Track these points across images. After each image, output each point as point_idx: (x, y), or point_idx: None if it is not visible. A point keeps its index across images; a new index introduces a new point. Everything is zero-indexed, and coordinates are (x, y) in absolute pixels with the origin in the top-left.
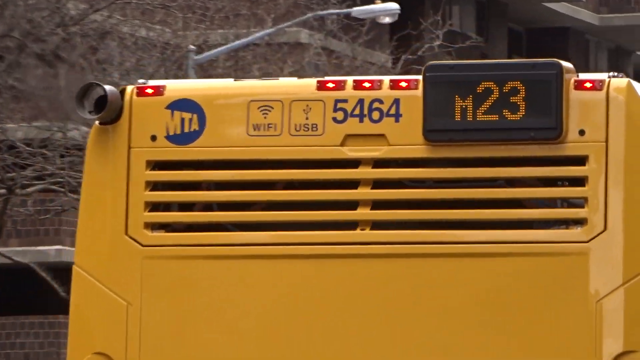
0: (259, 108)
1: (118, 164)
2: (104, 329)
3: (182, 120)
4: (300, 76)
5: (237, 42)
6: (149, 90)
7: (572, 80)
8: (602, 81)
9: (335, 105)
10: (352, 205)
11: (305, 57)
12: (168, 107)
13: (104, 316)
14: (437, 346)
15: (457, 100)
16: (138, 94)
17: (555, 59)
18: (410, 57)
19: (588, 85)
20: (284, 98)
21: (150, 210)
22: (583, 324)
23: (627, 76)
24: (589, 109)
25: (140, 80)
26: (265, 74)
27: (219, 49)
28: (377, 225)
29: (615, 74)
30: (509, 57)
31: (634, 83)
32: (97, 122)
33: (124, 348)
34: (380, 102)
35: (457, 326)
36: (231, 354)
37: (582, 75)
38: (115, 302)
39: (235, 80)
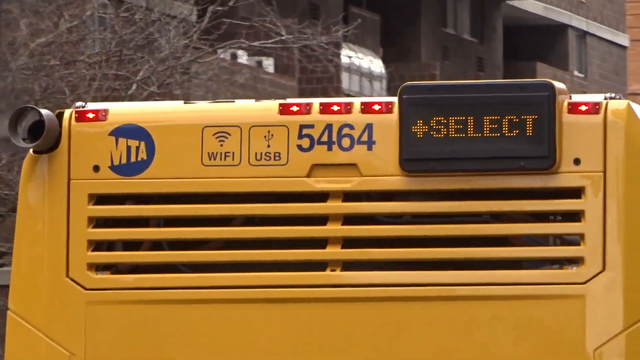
0: (214, 134)
1: (57, 198)
2: None
3: (128, 148)
4: (81, 32)
5: None
6: (90, 115)
7: (566, 103)
8: (598, 104)
9: (301, 131)
10: (320, 243)
11: (87, 10)
12: (112, 133)
13: None
14: None
15: (437, 125)
16: (77, 119)
17: (548, 80)
18: (219, 8)
19: (583, 108)
20: (242, 123)
21: (94, 250)
22: None
23: (496, 32)
24: (585, 135)
25: (79, 104)
26: (36, 31)
27: None
28: (348, 265)
29: (613, 95)
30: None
31: (634, 105)
32: (31, 151)
33: None
34: (351, 127)
35: None
36: None
37: (575, 97)
38: (56, 352)
39: (185, 103)
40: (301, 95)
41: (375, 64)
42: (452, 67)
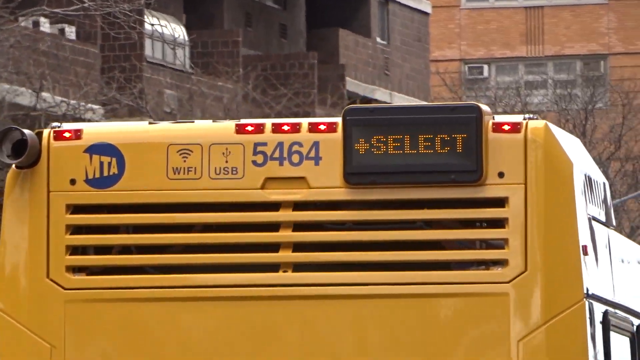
0: (178, 152)
1: (38, 208)
2: None
3: (101, 164)
4: None
5: None
6: (67, 134)
7: (490, 123)
8: (519, 123)
9: (255, 148)
10: (273, 247)
11: None
12: (86, 150)
13: (28, 359)
14: None
15: (377, 143)
16: (55, 138)
17: (474, 102)
18: None
19: (506, 127)
20: (203, 142)
21: (71, 254)
22: None
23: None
24: (508, 151)
25: (55, 124)
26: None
27: None
28: (298, 267)
29: (531, 115)
30: None
31: (551, 125)
32: (14, 166)
33: None
34: (300, 145)
35: None
36: None
37: (498, 118)
38: (38, 345)
39: (150, 124)
40: (104, 62)
41: (178, 31)
42: (255, 34)
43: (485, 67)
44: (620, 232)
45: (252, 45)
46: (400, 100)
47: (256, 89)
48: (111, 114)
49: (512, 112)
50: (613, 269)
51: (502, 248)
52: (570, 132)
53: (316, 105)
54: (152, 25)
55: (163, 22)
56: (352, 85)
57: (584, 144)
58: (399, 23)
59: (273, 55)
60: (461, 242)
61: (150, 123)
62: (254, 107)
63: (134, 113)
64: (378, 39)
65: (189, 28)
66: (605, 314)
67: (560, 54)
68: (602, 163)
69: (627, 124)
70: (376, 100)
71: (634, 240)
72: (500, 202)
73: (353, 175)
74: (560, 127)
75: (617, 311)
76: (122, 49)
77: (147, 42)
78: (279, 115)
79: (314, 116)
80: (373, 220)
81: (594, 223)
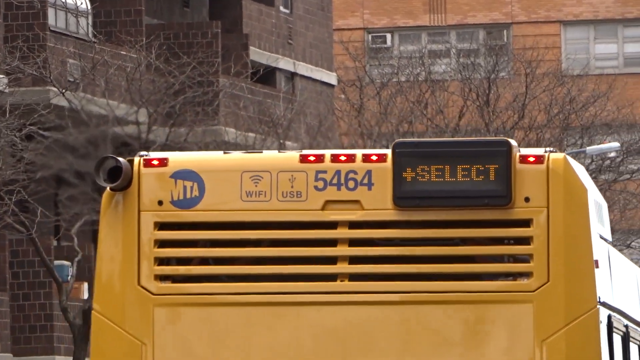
0: (250, 177)
1: (130, 225)
2: None
3: (184, 187)
4: None
5: None
6: (155, 162)
7: (518, 155)
8: (542, 156)
9: (317, 175)
10: (332, 260)
11: None
12: (172, 176)
13: (122, 354)
14: None
15: (422, 172)
16: (145, 165)
17: (505, 138)
18: None
19: (531, 159)
20: (272, 169)
21: (159, 265)
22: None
23: None
24: (533, 179)
25: (143, 153)
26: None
27: None
28: (353, 277)
29: (552, 149)
30: None
31: (568, 157)
32: (108, 189)
33: None
34: (355, 172)
35: None
36: None
37: (524, 150)
38: (130, 342)
39: (224, 153)
40: (7, 31)
41: (81, 0)
42: (157, 2)
43: (389, 36)
44: None
45: (155, 14)
46: (304, 69)
47: (159, 57)
48: (14, 83)
49: (416, 81)
50: (612, 279)
51: (528, 262)
52: (474, 101)
53: (220, 74)
54: None
55: None
56: (256, 54)
57: (488, 113)
58: None
59: (176, 24)
60: (492, 256)
61: (224, 152)
62: (157, 76)
63: (37, 82)
64: (281, 8)
65: None
66: (609, 317)
67: (463, 22)
68: (506, 132)
69: (530, 93)
70: (279, 70)
71: None
72: (526, 223)
73: (401, 199)
74: (463, 96)
75: (616, 314)
76: (25, 18)
77: (50, 11)
78: (182, 84)
79: (218, 85)
80: (418, 237)
81: (601, 238)
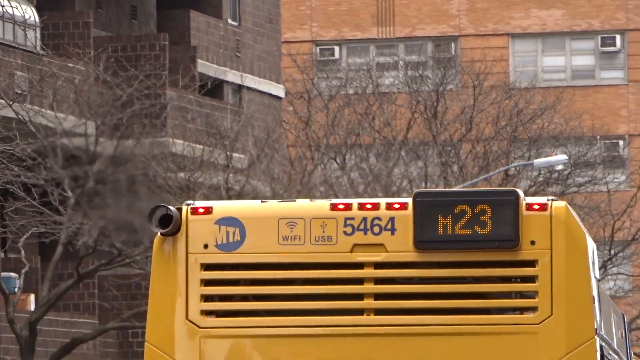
0: (286, 224)
1: (179, 266)
2: None
3: (227, 232)
4: None
5: None
6: (201, 210)
7: (524, 203)
8: (546, 204)
9: (345, 222)
10: (359, 297)
11: None
12: (216, 222)
13: None
14: None
15: (440, 218)
16: (192, 213)
17: (514, 189)
18: None
19: (536, 207)
20: (305, 216)
21: (205, 301)
22: None
23: None
24: (537, 225)
25: (189, 202)
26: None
27: None
28: (378, 312)
29: (554, 198)
30: None
31: (568, 205)
32: (159, 234)
33: None
34: (379, 219)
35: None
36: None
37: (529, 199)
38: None
39: (262, 202)
40: None
41: (29, 12)
42: (106, 15)
43: (337, 48)
44: None
45: (103, 27)
46: (252, 82)
47: (107, 70)
48: None
49: (364, 94)
50: (602, 313)
51: (533, 298)
52: (422, 113)
53: (168, 86)
54: (3, 6)
55: (14, 3)
56: (204, 67)
57: (435, 125)
58: (250, 4)
59: (124, 37)
60: (502, 293)
61: (262, 201)
62: (105, 88)
63: None
64: (229, 20)
65: (39, 9)
66: (601, 347)
67: (411, 35)
68: (454, 145)
69: (478, 106)
70: (227, 82)
71: None
72: (532, 264)
73: (421, 242)
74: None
75: (604, 344)
76: None
77: None
78: (130, 96)
79: (165, 97)
80: (436, 276)
81: (594, 279)
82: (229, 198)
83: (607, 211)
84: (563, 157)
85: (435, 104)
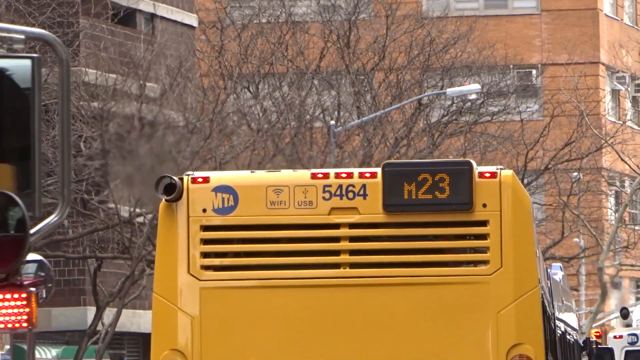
0: (273, 190)
1: (181, 228)
2: (177, 334)
3: (223, 199)
4: None
5: None
6: (200, 179)
7: (477, 171)
8: (495, 172)
9: (324, 188)
10: (336, 253)
11: None
12: (213, 190)
13: (177, 326)
14: (388, 342)
15: (405, 185)
16: (192, 182)
17: (469, 159)
18: None
19: (487, 175)
20: (289, 184)
21: (204, 257)
22: (489, 328)
23: None
24: (488, 190)
25: (189, 172)
26: None
27: None
28: (353, 265)
29: (502, 167)
30: None
31: (514, 173)
32: (164, 200)
33: (190, 347)
34: (353, 186)
35: (403, 329)
36: (260, 348)
37: (480, 168)
38: (184, 316)
39: (251, 172)
40: None
41: None
42: None
43: None
44: (386, 143)
45: None
46: (165, 11)
47: None
48: None
49: (276, 23)
50: (540, 262)
51: (485, 253)
52: (334, 43)
53: (80, 15)
54: None
55: None
56: None
57: (348, 55)
58: None
59: None
60: (458, 248)
61: (251, 172)
62: (17, 17)
63: None
64: None
65: None
66: (542, 295)
67: None
68: (366, 74)
69: (390, 35)
70: (140, 11)
71: (396, 152)
72: (484, 223)
73: (389, 206)
74: (324, 37)
75: (544, 293)
76: None
77: None
78: (42, 25)
79: (78, 26)
80: (402, 235)
81: (536, 236)
82: (142, 127)
83: (520, 140)
84: (476, 86)
85: (347, 33)
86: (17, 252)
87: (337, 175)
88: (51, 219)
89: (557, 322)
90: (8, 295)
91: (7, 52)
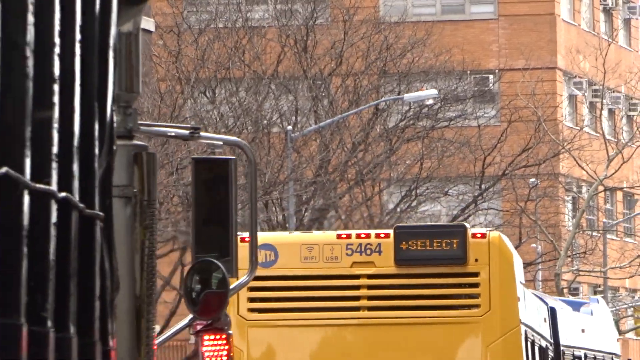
0: (306, 248)
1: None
2: None
3: (265, 255)
4: None
5: None
6: (247, 239)
7: (470, 233)
8: (485, 233)
9: (347, 246)
10: (357, 298)
11: None
12: (258, 247)
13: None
14: None
15: (412, 244)
16: (241, 241)
17: (464, 223)
18: None
19: (479, 235)
20: (319, 242)
21: (250, 302)
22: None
23: None
24: (479, 248)
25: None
26: None
27: None
28: (370, 308)
29: (491, 229)
30: None
31: (502, 234)
32: None
33: None
34: (370, 245)
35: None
36: None
37: (472, 230)
38: (236, 349)
39: (290, 233)
40: None
41: None
42: None
43: None
44: (343, 148)
45: None
46: None
47: None
48: None
49: (233, 28)
50: (527, 307)
51: (477, 298)
52: (291, 47)
53: None
54: None
55: None
56: None
57: (305, 60)
58: None
59: None
60: (455, 295)
61: (289, 233)
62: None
63: None
64: None
65: None
66: (526, 332)
67: None
68: (324, 79)
69: (348, 40)
70: None
71: (353, 157)
72: (476, 274)
73: (399, 260)
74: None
75: (529, 329)
76: None
77: None
78: None
79: None
80: (410, 284)
81: (519, 284)
82: None
83: (477, 146)
84: (433, 91)
85: (305, 38)
86: (220, 304)
87: (358, 236)
88: (243, 279)
89: (562, 348)
90: (212, 337)
91: (211, 155)
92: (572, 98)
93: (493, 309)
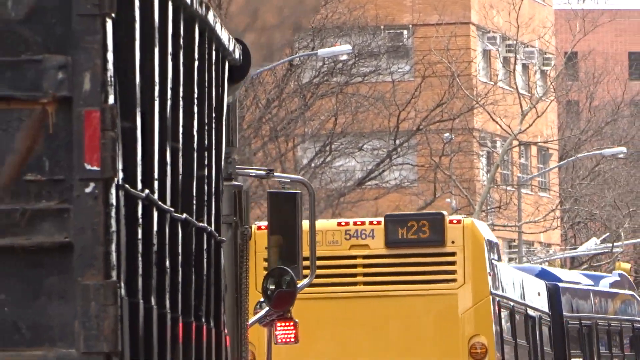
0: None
1: (251, 261)
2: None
3: None
4: None
5: None
6: (263, 227)
7: (447, 219)
8: (460, 219)
9: (345, 232)
10: (354, 275)
11: None
12: None
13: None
14: (390, 334)
15: (399, 229)
16: (257, 229)
17: (443, 211)
18: None
19: (455, 221)
20: (323, 229)
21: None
22: (453, 324)
23: None
24: (455, 232)
25: (258, 223)
26: None
27: None
28: (366, 283)
29: (465, 216)
30: None
31: (475, 220)
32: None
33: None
34: (365, 230)
35: (401, 325)
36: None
37: (449, 217)
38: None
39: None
40: None
41: None
42: None
43: None
44: (257, 105)
45: None
46: None
47: None
48: None
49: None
50: (501, 279)
51: (454, 274)
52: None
53: None
54: None
55: None
56: None
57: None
58: None
59: None
60: (436, 271)
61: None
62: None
63: None
64: None
65: None
66: (498, 301)
67: None
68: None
69: None
70: None
71: (267, 113)
72: (453, 254)
73: (389, 242)
74: None
75: (502, 299)
76: None
77: None
78: None
79: None
80: (398, 262)
81: (493, 260)
82: None
83: (391, 101)
84: (347, 47)
85: None
86: (290, 300)
87: (354, 223)
88: (305, 281)
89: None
90: (284, 324)
91: (282, 189)
92: (485, 53)
93: (467, 282)
